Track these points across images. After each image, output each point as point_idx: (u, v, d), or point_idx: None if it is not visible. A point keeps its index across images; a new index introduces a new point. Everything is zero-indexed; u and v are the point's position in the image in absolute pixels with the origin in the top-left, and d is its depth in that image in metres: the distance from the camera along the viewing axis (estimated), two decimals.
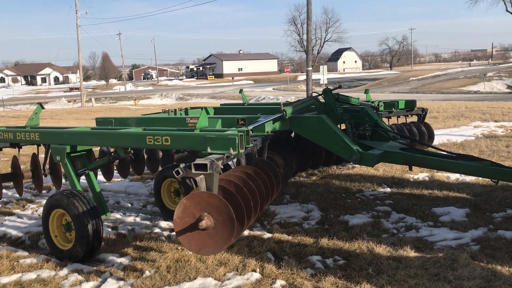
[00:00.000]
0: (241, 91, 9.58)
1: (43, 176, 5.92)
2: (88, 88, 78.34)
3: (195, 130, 4.50)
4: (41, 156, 6.08)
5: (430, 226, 5.38)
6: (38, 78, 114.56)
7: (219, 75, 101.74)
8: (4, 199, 7.35)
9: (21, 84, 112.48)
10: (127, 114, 25.53)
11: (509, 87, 44.60)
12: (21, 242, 5.47)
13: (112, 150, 5.64)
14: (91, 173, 5.44)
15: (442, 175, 7.53)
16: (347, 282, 4.01)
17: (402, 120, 8.79)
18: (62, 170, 5.32)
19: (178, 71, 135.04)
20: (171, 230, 5.55)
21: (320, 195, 6.76)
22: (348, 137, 5.46)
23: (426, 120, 8.82)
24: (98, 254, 4.81)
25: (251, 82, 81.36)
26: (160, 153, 6.85)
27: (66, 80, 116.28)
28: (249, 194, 4.00)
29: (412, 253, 4.53)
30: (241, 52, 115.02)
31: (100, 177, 6.83)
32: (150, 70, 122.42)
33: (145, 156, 6.76)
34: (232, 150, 3.93)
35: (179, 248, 4.88)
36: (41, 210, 6.12)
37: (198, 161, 3.61)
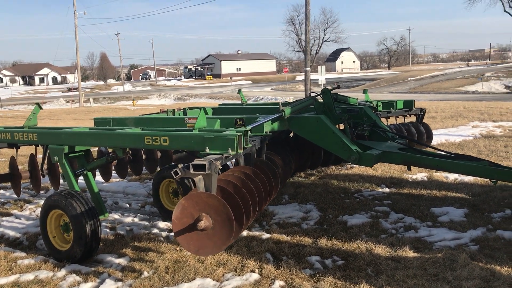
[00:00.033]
0: (239, 91, 9.58)
1: (41, 177, 5.91)
2: (86, 88, 78.30)
3: (194, 130, 4.49)
4: (39, 156, 6.06)
5: (429, 226, 5.38)
6: (36, 78, 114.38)
7: (218, 75, 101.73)
8: (2, 200, 7.33)
9: (19, 84, 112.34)
10: (125, 114, 25.50)
11: (507, 87, 44.68)
12: (19, 243, 5.45)
13: (110, 150, 5.62)
14: (89, 174, 5.43)
15: (440, 175, 7.54)
16: (346, 283, 4.01)
17: (400, 120, 8.79)
18: (60, 170, 5.31)
19: (177, 71, 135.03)
20: (170, 230, 5.54)
21: (319, 195, 6.75)
22: (346, 137, 5.45)
23: (424, 120, 8.82)
24: (96, 254, 4.79)
25: (250, 82, 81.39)
26: (159, 154, 6.84)
27: (64, 80, 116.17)
28: (248, 194, 3.99)
29: (411, 254, 4.52)
30: (239, 52, 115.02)
31: (98, 177, 6.81)
32: (148, 70, 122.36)
33: (144, 156, 6.74)
34: (230, 151, 3.92)
35: (177, 248, 4.86)
36: (39, 210, 6.10)
37: (197, 161, 3.60)
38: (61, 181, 5.73)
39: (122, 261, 4.67)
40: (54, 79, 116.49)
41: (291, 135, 6.99)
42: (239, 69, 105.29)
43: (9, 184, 6.35)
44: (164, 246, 5.00)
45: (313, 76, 28.19)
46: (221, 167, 3.90)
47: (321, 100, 6.12)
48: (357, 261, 4.41)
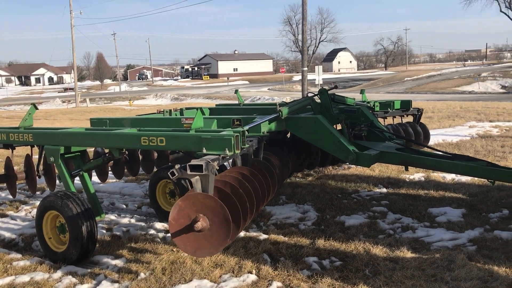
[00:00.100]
0: (236, 91, 9.55)
1: (37, 177, 5.87)
2: (82, 89, 78.12)
3: (191, 130, 4.47)
4: (35, 157, 6.02)
5: (427, 226, 5.37)
6: (32, 79, 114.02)
7: (214, 75, 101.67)
8: None
9: (15, 85, 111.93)
10: (122, 114, 25.45)
11: (503, 87, 44.82)
12: (14, 244, 5.41)
13: (106, 151, 5.59)
14: (85, 174, 5.40)
15: (438, 175, 7.53)
16: (343, 284, 3.99)
17: (397, 120, 8.79)
18: (56, 171, 5.27)
19: (173, 71, 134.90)
20: (166, 231, 5.51)
21: (316, 195, 6.74)
22: (344, 138, 5.44)
23: (421, 120, 8.82)
24: (93, 256, 4.77)
25: (246, 82, 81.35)
26: (155, 154, 6.80)
27: (60, 81, 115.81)
28: (245, 195, 3.98)
29: (409, 254, 4.51)
30: (236, 52, 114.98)
31: (95, 178, 6.78)
32: (145, 71, 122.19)
33: (140, 157, 6.71)
34: (227, 151, 3.90)
35: (174, 249, 4.84)
36: (35, 211, 6.06)
37: (194, 162, 3.58)
38: (57, 182, 5.69)
39: (118, 262, 4.64)
40: (50, 79, 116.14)
41: (289, 135, 6.98)
42: (236, 69, 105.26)
43: (5, 185, 6.31)
44: (161, 247, 4.97)
45: (310, 76, 28.17)
46: (218, 168, 3.88)
47: (318, 100, 6.10)
48: (355, 261, 4.39)
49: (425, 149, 6.59)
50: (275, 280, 4.11)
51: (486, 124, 14.05)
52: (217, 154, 3.89)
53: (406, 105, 8.20)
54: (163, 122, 6.13)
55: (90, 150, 6.47)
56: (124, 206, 6.85)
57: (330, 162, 7.84)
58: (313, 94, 6.20)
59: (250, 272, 4.26)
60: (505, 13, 52.37)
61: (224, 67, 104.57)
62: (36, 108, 5.88)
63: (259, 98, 40.86)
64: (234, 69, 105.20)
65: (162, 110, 7.69)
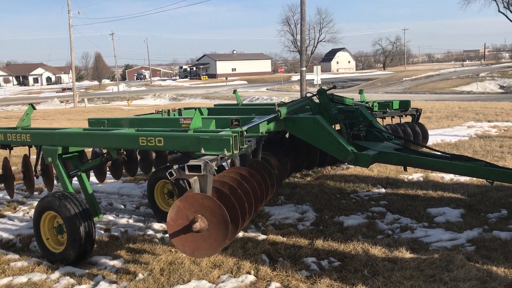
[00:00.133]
0: (235, 91, 9.53)
1: (35, 178, 5.85)
2: (81, 89, 77.98)
3: (189, 131, 4.46)
4: (33, 157, 6.00)
5: (425, 227, 5.37)
6: (30, 79, 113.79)
7: (213, 75, 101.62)
8: None
9: (13, 85, 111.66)
10: (120, 114, 25.41)
11: (501, 87, 44.85)
12: (12, 245, 5.39)
13: (104, 151, 5.58)
14: (83, 175, 5.38)
15: (436, 176, 7.53)
16: (342, 284, 3.98)
17: (396, 120, 8.78)
18: (54, 171, 5.26)
19: (172, 71, 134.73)
20: (165, 232, 5.50)
21: (315, 196, 6.73)
22: (343, 138, 5.43)
23: (420, 120, 8.81)
24: (91, 256, 4.75)
25: (245, 82, 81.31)
26: (154, 154, 6.79)
27: (58, 81, 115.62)
28: (244, 195, 3.96)
29: (408, 254, 4.51)
30: (234, 52, 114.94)
31: (93, 178, 6.76)
32: (143, 70, 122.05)
33: (138, 157, 6.69)
34: (226, 151, 3.89)
35: (172, 250, 4.83)
36: (32, 212, 6.04)
37: (192, 162, 3.56)
38: (55, 182, 5.67)
39: (116, 263, 4.63)
40: (48, 79, 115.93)
41: (287, 135, 6.97)
42: (235, 69, 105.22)
43: (2, 185, 6.29)
44: (159, 247, 4.96)
45: (308, 76, 28.19)
46: (216, 168, 3.86)
47: (317, 101, 6.09)
48: (354, 262, 4.38)
49: (424, 149, 6.59)
50: (273, 280, 4.10)
51: (485, 124, 14.06)
52: (216, 154, 3.88)
53: (404, 105, 8.19)
54: (161, 122, 6.12)
55: (88, 151, 6.46)
56: (122, 207, 6.83)
57: (328, 162, 7.84)
58: (311, 94, 6.19)
59: (249, 273, 4.26)
60: (504, 13, 52.47)
61: (222, 67, 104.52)
62: (34, 108, 5.86)
63: (258, 98, 40.83)
64: (232, 69, 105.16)
65: (161, 110, 7.68)
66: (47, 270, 4.51)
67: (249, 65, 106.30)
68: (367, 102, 7.89)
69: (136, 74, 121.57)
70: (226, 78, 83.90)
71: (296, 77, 73.88)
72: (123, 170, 6.71)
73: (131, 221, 6.07)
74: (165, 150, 6.14)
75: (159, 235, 5.43)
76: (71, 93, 46.26)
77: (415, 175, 7.68)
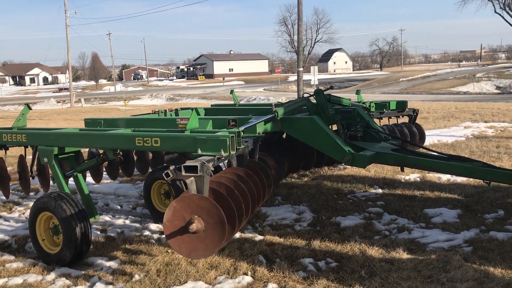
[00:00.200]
0: (232, 91, 9.52)
1: (31, 178, 5.82)
2: (77, 89, 77.81)
3: (186, 131, 4.44)
4: (29, 157, 5.97)
5: (422, 227, 5.36)
6: (27, 79, 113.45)
7: (210, 76, 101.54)
8: None
9: (9, 85, 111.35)
10: (117, 114, 25.35)
11: (498, 87, 44.98)
12: (7, 246, 5.36)
13: (101, 151, 5.55)
14: (79, 175, 5.35)
15: (433, 176, 7.53)
16: (339, 285, 3.97)
17: (393, 121, 8.78)
18: (50, 172, 5.23)
19: (169, 72, 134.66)
20: (161, 232, 5.47)
21: (312, 196, 6.72)
22: (340, 138, 5.43)
23: (417, 121, 8.81)
24: (87, 257, 4.72)
25: (242, 82, 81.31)
26: (150, 154, 6.77)
27: (55, 81, 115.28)
28: (240, 196, 3.95)
29: (405, 255, 4.50)
30: (231, 52, 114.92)
31: (89, 178, 6.73)
32: (140, 71, 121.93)
33: (135, 157, 6.67)
34: (223, 152, 3.87)
35: (169, 251, 4.81)
36: (28, 212, 6.01)
37: (188, 163, 3.55)
38: (51, 182, 5.65)
39: (112, 264, 4.60)
40: (45, 79, 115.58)
41: (284, 136, 6.95)
42: (232, 69, 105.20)
43: None
44: (155, 248, 4.94)
45: (305, 76, 28.19)
46: (213, 169, 3.85)
47: (314, 101, 6.08)
48: (351, 263, 4.37)
49: (421, 149, 6.59)
50: (270, 281, 4.08)
51: (481, 124, 14.08)
52: (212, 155, 3.86)
53: (401, 106, 8.20)
54: (158, 122, 6.09)
55: (85, 151, 6.43)
56: (119, 207, 6.80)
57: (325, 162, 7.83)
58: (308, 95, 6.18)
59: (246, 274, 4.24)
60: (500, 14, 52.59)
61: (219, 67, 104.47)
62: (30, 109, 5.83)
63: (255, 99, 40.82)
64: (229, 69, 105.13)
65: (157, 110, 7.65)
66: (43, 271, 4.48)
67: (246, 65, 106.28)
68: (364, 103, 7.89)
69: (133, 74, 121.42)
70: (223, 78, 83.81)
71: (293, 77, 73.89)
72: (120, 171, 6.68)
73: (127, 221, 6.05)
74: (162, 150, 6.12)
75: (155, 235, 5.41)
76: (68, 93, 46.14)
77: (412, 175, 7.68)
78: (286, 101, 6.24)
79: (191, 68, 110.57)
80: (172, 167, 3.59)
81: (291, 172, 7.76)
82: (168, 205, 4.51)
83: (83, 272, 4.44)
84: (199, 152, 3.95)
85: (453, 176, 7.18)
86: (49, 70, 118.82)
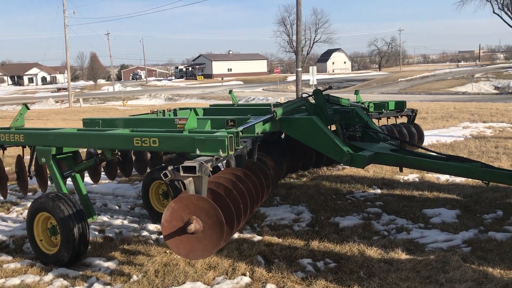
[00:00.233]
0: (230, 91, 9.51)
1: (29, 178, 5.80)
2: (76, 89, 77.72)
3: (184, 131, 4.42)
4: (27, 157, 5.95)
5: (421, 227, 5.36)
6: (25, 78, 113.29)
7: (209, 76, 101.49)
8: None
9: (8, 85, 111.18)
10: (116, 114, 25.31)
11: (496, 88, 45.03)
12: (5, 246, 5.34)
13: (99, 151, 5.53)
14: (77, 175, 5.34)
15: (432, 176, 7.53)
16: (338, 286, 3.96)
17: (392, 121, 8.77)
18: (48, 172, 5.21)
19: (167, 72, 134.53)
20: (160, 233, 5.46)
21: (311, 196, 6.71)
22: (338, 139, 5.42)
23: (415, 121, 8.81)
24: (85, 258, 4.71)
25: (241, 82, 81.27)
26: (149, 155, 6.75)
27: (53, 81, 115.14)
28: (239, 196, 3.94)
29: (404, 256, 4.49)
30: (230, 52, 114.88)
31: (88, 179, 6.71)
32: (139, 71, 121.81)
33: (133, 157, 6.65)
34: (221, 152, 3.86)
35: (167, 251, 4.79)
36: (26, 213, 5.99)
37: (187, 163, 3.53)
38: (49, 183, 5.63)
39: (110, 264, 4.59)
40: (44, 79, 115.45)
41: (283, 136, 6.94)
42: (230, 69, 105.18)
43: None
44: (153, 249, 4.93)
45: (304, 76, 28.19)
46: (211, 169, 3.84)
47: (313, 101, 6.08)
48: (349, 263, 4.37)
49: (419, 150, 6.59)
50: (269, 282, 4.07)
51: (480, 125, 14.09)
52: (211, 155, 3.85)
53: (400, 106, 8.19)
54: (157, 122, 6.08)
55: (83, 151, 6.42)
56: (117, 207, 6.79)
57: (324, 163, 7.81)
58: (307, 95, 6.17)
59: (244, 274, 4.23)
60: (498, 15, 52.65)
61: (218, 67, 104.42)
62: (28, 108, 5.82)
63: (254, 99, 40.81)
64: (228, 69, 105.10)
65: (156, 110, 7.64)
66: (41, 271, 4.47)
67: (245, 66, 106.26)
68: (362, 103, 7.88)
69: (131, 74, 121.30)
70: (222, 78, 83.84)
71: (292, 77, 73.84)
72: (118, 171, 6.67)
73: (125, 222, 6.04)
74: (160, 150, 6.10)
75: (154, 236, 5.40)
76: (66, 93, 46.06)
77: (411, 175, 7.68)
78: (284, 101, 6.22)
79: (190, 68, 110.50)
80: (170, 168, 3.57)
81: (290, 172, 7.75)
82: (166, 205, 4.50)
83: (81, 272, 4.42)
84: (198, 152, 3.94)
85: (452, 176, 7.18)
86: (48, 70, 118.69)
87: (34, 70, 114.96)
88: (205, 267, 4.40)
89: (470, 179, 6.99)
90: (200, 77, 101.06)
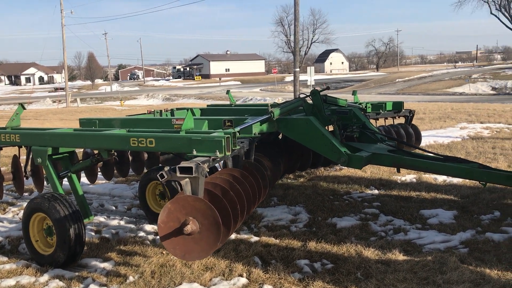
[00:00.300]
0: (228, 92, 9.49)
1: (25, 179, 5.77)
2: (73, 88, 77.60)
3: (181, 131, 4.40)
4: (23, 157, 5.92)
5: (418, 228, 5.35)
6: (22, 78, 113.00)
7: (206, 76, 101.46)
8: None
9: (5, 84, 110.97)
10: (113, 114, 25.26)
11: (493, 88, 45.14)
12: (0, 247, 5.31)
13: (96, 152, 5.51)
14: (74, 176, 5.31)
15: (429, 177, 7.52)
16: (335, 287, 3.95)
17: (389, 121, 8.77)
18: (44, 172, 5.19)
19: (165, 72, 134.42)
20: (156, 234, 5.44)
21: (308, 197, 6.69)
22: (336, 139, 5.40)
23: (413, 122, 8.81)
24: (81, 259, 4.68)
25: (238, 82, 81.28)
26: (146, 155, 6.73)
27: (51, 80, 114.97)
28: (236, 197, 3.92)
29: (401, 257, 4.48)
30: (228, 52, 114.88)
31: (84, 179, 6.68)
32: (136, 70, 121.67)
33: (130, 157, 6.63)
34: (218, 153, 3.84)
35: (164, 252, 4.77)
36: (22, 213, 5.96)
37: (183, 164, 3.51)
38: (45, 183, 5.60)
39: (107, 265, 4.56)
40: (41, 79, 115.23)
41: (280, 136, 6.93)
42: (228, 69, 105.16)
43: None
44: (150, 249, 4.90)
45: (302, 77, 28.18)
46: (208, 170, 3.82)
47: (310, 102, 6.06)
48: (347, 264, 4.35)
49: (417, 150, 6.58)
50: (266, 283, 4.06)
51: (477, 125, 14.11)
52: (208, 156, 3.83)
53: (398, 107, 8.18)
54: (154, 122, 6.05)
55: (79, 151, 6.39)
56: (114, 208, 6.76)
57: (321, 163, 7.81)
58: (305, 95, 6.16)
59: (241, 275, 4.21)
60: (496, 15, 52.86)
61: (216, 67, 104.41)
62: (24, 108, 5.78)
63: (251, 99, 40.81)
64: (226, 69, 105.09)
65: (153, 110, 7.62)
66: (36, 273, 4.44)
67: (243, 66, 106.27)
68: (360, 103, 7.87)
69: (129, 74, 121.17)
70: (220, 79, 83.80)
71: (289, 77, 73.93)
72: (115, 171, 6.64)
73: (122, 222, 6.01)
74: (157, 151, 6.07)
75: (150, 237, 5.37)
76: (64, 93, 45.99)
77: (408, 176, 7.68)
78: (282, 102, 6.21)
79: (188, 68, 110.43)
80: (167, 168, 3.55)
81: (287, 172, 7.73)
82: (163, 206, 4.48)
83: (77, 273, 4.40)
84: (194, 153, 3.92)
85: (449, 177, 7.18)
86: (45, 69, 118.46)
87: (31, 70, 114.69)
88: (201, 268, 4.38)
89: (467, 180, 6.98)
90: (197, 77, 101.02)
